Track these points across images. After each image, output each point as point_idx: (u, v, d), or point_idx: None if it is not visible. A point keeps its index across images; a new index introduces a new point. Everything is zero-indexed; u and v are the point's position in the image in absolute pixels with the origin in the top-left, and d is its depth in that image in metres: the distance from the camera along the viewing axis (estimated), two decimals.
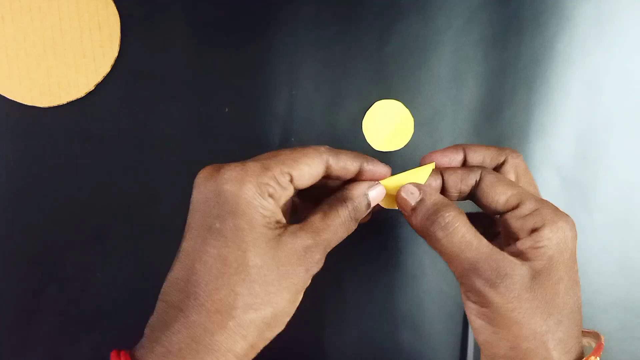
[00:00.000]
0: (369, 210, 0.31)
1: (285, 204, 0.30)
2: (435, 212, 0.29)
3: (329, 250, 0.29)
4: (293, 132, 0.44)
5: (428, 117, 0.44)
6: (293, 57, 0.44)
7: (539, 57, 0.44)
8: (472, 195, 0.31)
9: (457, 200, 0.32)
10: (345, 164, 0.30)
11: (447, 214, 0.28)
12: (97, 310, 0.44)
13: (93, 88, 0.43)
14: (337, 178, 0.31)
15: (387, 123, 0.44)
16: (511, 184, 0.30)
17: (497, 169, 0.33)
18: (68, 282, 0.44)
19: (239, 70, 0.44)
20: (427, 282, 0.45)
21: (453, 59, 0.44)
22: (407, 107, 0.44)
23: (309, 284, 0.29)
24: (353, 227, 0.30)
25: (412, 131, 0.44)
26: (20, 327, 0.43)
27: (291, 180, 0.28)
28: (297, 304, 0.29)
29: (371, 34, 0.44)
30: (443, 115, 0.44)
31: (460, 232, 0.28)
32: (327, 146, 0.31)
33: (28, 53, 0.42)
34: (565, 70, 0.44)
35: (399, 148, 0.44)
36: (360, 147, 0.44)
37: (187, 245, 0.28)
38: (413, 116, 0.44)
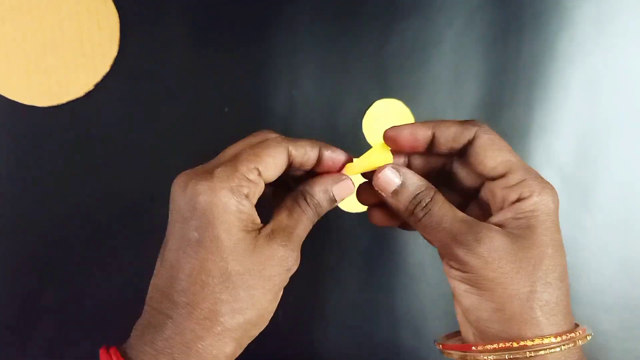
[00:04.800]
0: (335, 204, 0.32)
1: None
2: (416, 196, 0.30)
3: (301, 243, 0.30)
4: (293, 132, 0.44)
5: (429, 116, 0.44)
6: (293, 57, 0.44)
7: (539, 57, 0.44)
8: (462, 153, 0.31)
9: (447, 155, 0.32)
10: (305, 150, 0.31)
11: (427, 196, 0.30)
12: (97, 310, 0.44)
13: (92, 88, 0.43)
14: (300, 166, 0.31)
15: (387, 122, 0.44)
16: (502, 150, 0.29)
17: (470, 144, 0.31)
18: (68, 282, 0.44)
19: (239, 70, 0.44)
20: (427, 282, 0.45)
21: (453, 59, 0.44)
22: (407, 106, 0.44)
23: (288, 281, 0.30)
24: (316, 218, 0.31)
25: None
26: (20, 327, 0.43)
27: (259, 175, 0.29)
28: (279, 300, 0.30)
29: (371, 34, 0.44)
30: (443, 115, 0.44)
31: (437, 209, 0.29)
32: (281, 135, 0.31)
33: (28, 53, 0.42)
34: (566, 70, 0.44)
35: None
36: (361, 147, 0.44)
37: (169, 255, 0.29)
38: (414, 115, 0.44)
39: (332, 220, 0.44)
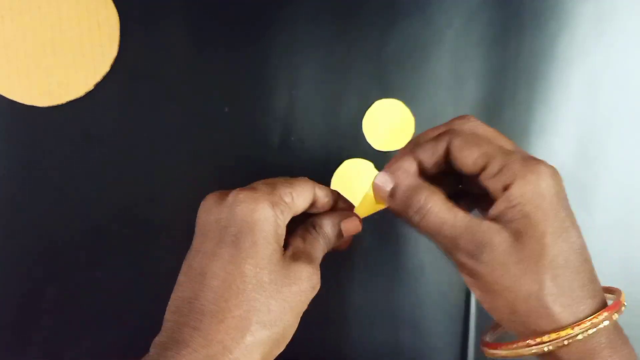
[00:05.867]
0: (342, 240, 0.32)
1: None
2: (408, 197, 0.29)
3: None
4: (293, 132, 0.44)
5: (429, 117, 0.44)
6: (293, 57, 0.44)
7: (539, 57, 0.44)
8: (449, 163, 0.31)
9: (439, 172, 0.31)
10: (326, 193, 0.32)
11: (419, 197, 0.29)
12: (97, 310, 0.44)
13: (92, 88, 0.43)
14: (319, 208, 0.32)
15: (387, 122, 0.44)
16: (478, 143, 0.29)
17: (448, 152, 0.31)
18: (68, 282, 0.44)
19: (239, 70, 0.44)
20: (427, 282, 0.45)
21: (453, 59, 0.44)
22: (407, 107, 0.44)
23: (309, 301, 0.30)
24: (326, 248, 0.32)
25: (412, 131, 0.44)
26: (20, 327, 0.43)
27: (292, 200, 0.30)
28: (299, 321, 0.30)
29: (371, 33, 0.44)
30: (444, 115, 0.44)
31: (433, 213, 0.28)
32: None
33: (28, 53, 0.42)
34: (566, 70, 0.44)
35: (399, 148, 0.44)
36: (361, 147, 0.44)
37: (198, 263, 0.28)
38: (414, 115, 0.44)
39: None
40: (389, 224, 0.45)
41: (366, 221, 0.44)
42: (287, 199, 0.29)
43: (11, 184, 0.43)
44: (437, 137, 0.30)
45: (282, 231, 0.28)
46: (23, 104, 0.43)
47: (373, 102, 0.44)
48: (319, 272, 0.30)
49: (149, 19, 0.43)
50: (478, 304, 0.45)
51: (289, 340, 0.29)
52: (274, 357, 0.29)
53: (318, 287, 0.29)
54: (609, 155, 0.45)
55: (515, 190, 0.27)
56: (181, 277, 0.29)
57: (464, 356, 0.45)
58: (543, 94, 0.44)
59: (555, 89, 0.44)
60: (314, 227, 0.31)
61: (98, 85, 0.43)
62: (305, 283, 0.28)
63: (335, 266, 0.44)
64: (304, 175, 0.34)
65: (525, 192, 0.27)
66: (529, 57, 0.44)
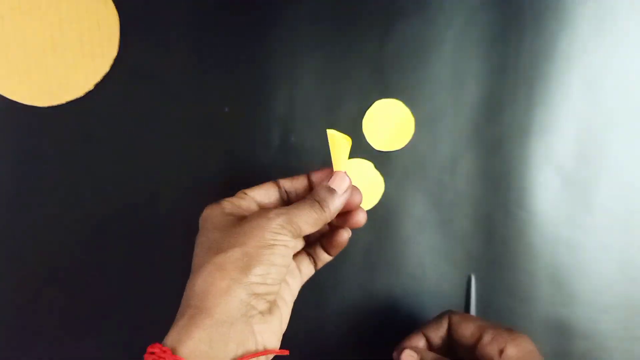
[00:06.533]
0: (343, 193, 0.34)
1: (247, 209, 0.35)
2: None
3: (295, 225, 0.32)
4: (293, 132, 0.44)
5: (428, 117, 0.44)
6: (293, 57, 0.44)
7: (539, 56, 0.44)
8: (450, 338, 0.38)
9: (442, 348, 0.38)
10: (295, 177, 0.36)
11: None
12: (97, 310, 0.44)
13: (92, 88, 0.43)
14: (296, 196, 0.36)
15: (387, 122, 0.44)
16: (472, 320, 0.37)
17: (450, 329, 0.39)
18: (68, 282, 0.44)
19: (239, 70, 0.44)
20: (427, 282, 0.45)
21: (453, 58, 0.44)
22: (407, 107, 0.44)
23: (282, 242, 0.32)
24: (322, 212, 0.34)
25: (412, 131, 0.44)
26: (20, 327, 0.43)
27: (245, 194, 0.35)
28: (278, 255, 0.32)
29: (371, 33, 0.44)
30: (444, 115, 0.44)
31: None
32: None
33: (28, 53, 0.42)
34: (566, 70, 0.44)
35: (399, 148, 0.44)
36: (360, 147, 0.44)
37: None
38: (413, 115, 0.44)
39: None
40: (389, 224, 0.45)
41: (367, 221, 0.44)
42: (239, 194, 0.35)
43: (11, 184, 0.43)
44: (439, 316, 0.39)
45: (232, 209, 0.34)
46: (23, 104, 0.43)
47: (373, 102, 0.44)
48: (278, 219, 0.32)
49: (149, 19, 0.43)
50: (478, 304, 0.45)
51: (262, 267, 0.31)
52: (262, 278, 0.31)
53: (277, 222, 0.32)
54: (609, 155, 0.45)
55: (511, 351, 0.35)
56: None
57: None
58: (543, 93, 0.44)
59: (555, 88, 0.44)
60: (307, 197, 0.35)
61: (98, 85, 0.43)
62: (258, 218, 0.32)
63: (335, 266, 0.44)
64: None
65: (518, 352, 0.35)
66: (529, 57, 0.44)
